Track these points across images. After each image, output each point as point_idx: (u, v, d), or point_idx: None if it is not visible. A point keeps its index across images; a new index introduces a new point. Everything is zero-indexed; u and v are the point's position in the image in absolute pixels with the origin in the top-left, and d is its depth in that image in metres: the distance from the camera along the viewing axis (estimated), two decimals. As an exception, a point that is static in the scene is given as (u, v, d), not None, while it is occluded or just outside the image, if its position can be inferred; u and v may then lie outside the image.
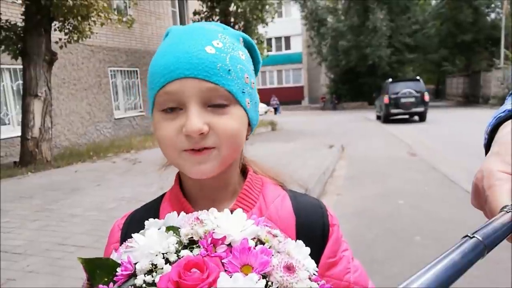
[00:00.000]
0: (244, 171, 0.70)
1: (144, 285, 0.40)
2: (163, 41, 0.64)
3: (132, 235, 0.47)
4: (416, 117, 16.36)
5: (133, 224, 0.66)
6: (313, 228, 0.65)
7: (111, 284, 0.42)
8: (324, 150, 8.50)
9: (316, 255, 0.53)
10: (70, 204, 4.92)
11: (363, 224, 4.12)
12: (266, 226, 0.49)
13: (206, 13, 14.05)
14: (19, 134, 7.90)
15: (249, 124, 0.64)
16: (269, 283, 0.40)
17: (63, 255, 3.33)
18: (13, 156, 8.58)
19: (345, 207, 4.75)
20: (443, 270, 0.31)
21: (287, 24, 30.77)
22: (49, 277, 2.93)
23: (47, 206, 4.89)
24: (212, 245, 0.43)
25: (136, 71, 13.40)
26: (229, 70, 0.58)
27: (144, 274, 0.41)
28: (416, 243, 3.59)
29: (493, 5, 26.77)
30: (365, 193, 5.39)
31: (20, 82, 8.59)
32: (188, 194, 0.67)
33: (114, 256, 0.46)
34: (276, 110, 25.58)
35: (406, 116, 16.40)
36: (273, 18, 15.26)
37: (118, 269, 0.43)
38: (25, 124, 7.63)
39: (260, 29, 15.02)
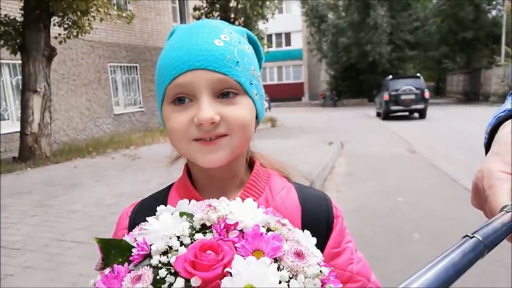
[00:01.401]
0: (251, 164, 0.71)
1: (160, 265, 0.41)
2: (168, 39, 0.66)
3: (147, 218, 0.48)
4: (416, 114, 16.35)
5: (141, 212, 0.68)
6: (318, 220, 0.67)
7: (125, 264, 0.43)
8: (323, 147, 8.50)
9: (320, 246, 0.55)
10: (69, 200, 4.92)
11: (362, 221, 4.11)
12: (275, 216, 0.50)
13: (206, 9, 14.02)
14: (18, 129, 7.90)
15: (256, 117, 0.66)
16: (281, 267, 0.42)
17: (61, 250, 3.33)
18: (12, 151, 8.58)
19: (344, 204, 4.74)
20: (443, 270, 0.31)
21: (287, 20, 30.69)
22: (47, 273, 2.93)
23: (46, 201, 4.89)
24: (225, 230, 0.44)
25: (136, 66, 13.37)
26: (238, 61, 0.60)
27: (160, 255, 0.42)
28: (415, 240, 3.59)
29: (494, 2, 26.73)
30: (364, 190, 5.39)
31: (20, 77, 8.57)
32: (196, 184, 0.68)
33: (127, 239, 0.48)
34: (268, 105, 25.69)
35: (406, 113, 16.40)
36: (273, 14, 15.23)
37: (134, 250, 0.44)
38: (24, 120, 7.63)
39: (261, 25, 14.99)
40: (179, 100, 0.59)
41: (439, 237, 3.56)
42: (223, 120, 0.58)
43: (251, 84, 0.62)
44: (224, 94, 0.59)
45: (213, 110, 0.57)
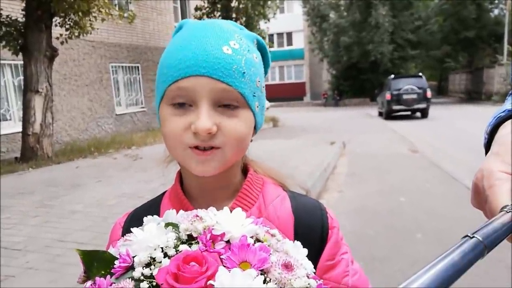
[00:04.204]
0: (245, 171, 0.70)
1: (142, 277, 0.40)
2: (175, 33, 0.64)
3: (131, 229, 0.47)
4: (418, 114, 16.32)
5: (134, 221, 0.67)
6: (311, 230, 0.65)
7: (108, 277, 0.42)
8: (325, 147, 8.48)
9: (314, 257, 0.54)
10: (71, 200, 4.93)
11: (364, 221, 4.10)
12: (265, 226, 0.49)
13: (207, 9, 14.02)
14: (20, 129, 7.92)
15: (254, 127, 0.65)
16: (267, 279, 0.40)
17: (63, 251, 3.33)
18: (14, 151, 8.60)
19: (346, 204, 4.74)
20: (443, 270, 0.31)
21: (289, 20, 30.69)
22: (48, 274, 2.93)
23: (48, 202, 4.90)
24: (211, 241, 0.43)
25: (138, 67, 13.39)
26: (244, 72, 0.58)
27: (142, 267, 0.41)
28: (417, 240, 3.58)
29: (496, 1, 26.64)
30: (367, 190, 5.38)
31: (21, 77, 8.59)
32: (188, 192, 0.67)
33: (111, 250, 0.46)
34: None
35: (408, 113, 16.36)
36: (275, 14, 15.24)
37: (116, 262, 0.43)
38: (26, 120, 7.64)
39: (262, 25, 14.99)
40: (179, 104, 0.58)
41: (442, 237, 3.55)
42: (220, 131, 0.57)
43: (254, 96, 0.60)
44: (225, 104, 0.58)
45: (211, 120, 0.56)
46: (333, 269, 0.65)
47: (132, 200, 4.73)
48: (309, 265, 0.45)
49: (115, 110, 12.42)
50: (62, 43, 8.08)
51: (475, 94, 25.53)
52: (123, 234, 0.66)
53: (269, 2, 14.35)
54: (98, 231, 3.76)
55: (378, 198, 4.96)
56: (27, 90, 7.61)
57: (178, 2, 15.70)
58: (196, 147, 0.58)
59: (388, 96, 15.82)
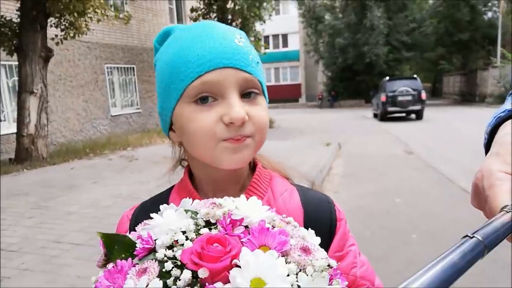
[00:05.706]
0: (253, 166, 0.71)
1: (165, 258, 0.40)
2: (163, 39, 0.64)
3: (151, 214, 0.47)
4: (413, 115, 16.40)
5: (142, 214, 0.67)
6: (320, 222, 0.65)
7: (129, 259, 0.42)
8: (321, 148, 8.51)
9: (323, 249, 0.54)
10: (66, 202, 4.90)
11: (359, 222, 4.12)
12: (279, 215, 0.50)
13: (203, 10, 14.00)
14: (15, 130, 7.87)
15: None
16: (288, 261, 0.41)
17: (59, 252, 3.32)
18: (9, 153, 8.54)
19: (342, 205, 4.69)
20: (443, 270, 0.31)
21: (284, 22, 30.71)
22: (44, 275, 2.91)
23: (43, 203, 4.87)
24: (230, 225, 0.44)
25: (133, 68, 13.35)
26: (258, 62, 0.61)
27: (165, 249, 0.41)
28: (413, 241, 3.60)
29: (490, 4, 26.91)
30: (362, 191, 5.40)
31: (16, 78, 8.54)
32: (197, 187, 0.67)
33: (130, 236, 0.47)
34: None
35: (403, 114, 16.44)
36: (270, 15, 15.23)
37: (138, 244, 0.43)
38: (21, 121, 7.60)
39: (258, 26, 14.98)
40: (202, 100, 0.57)
41: (437, 237, 3.57)
42: (250, 120, 0.58)
43: (265, 85, 0.63)
44: (246, 93, 0.59)
45: (243, 109, 0.57)
46: (341, 260, 0.65)
47: (128, 201, 4.71)
48: (323, 252, 0.46)
49: (110, 111, 12.36)
50: (57, 43, 8.05)
51: (469, 96, 25.70)
52: (130, 227, 0.66)
53: (264, 4, 14.35)
54: (94, 232, 3.72)
55: (373, 199, 4.98)
56: (22, 91, 7.57)
57: (174, 3, 15.68)
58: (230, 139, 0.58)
59: (383, 97, 15.87)
